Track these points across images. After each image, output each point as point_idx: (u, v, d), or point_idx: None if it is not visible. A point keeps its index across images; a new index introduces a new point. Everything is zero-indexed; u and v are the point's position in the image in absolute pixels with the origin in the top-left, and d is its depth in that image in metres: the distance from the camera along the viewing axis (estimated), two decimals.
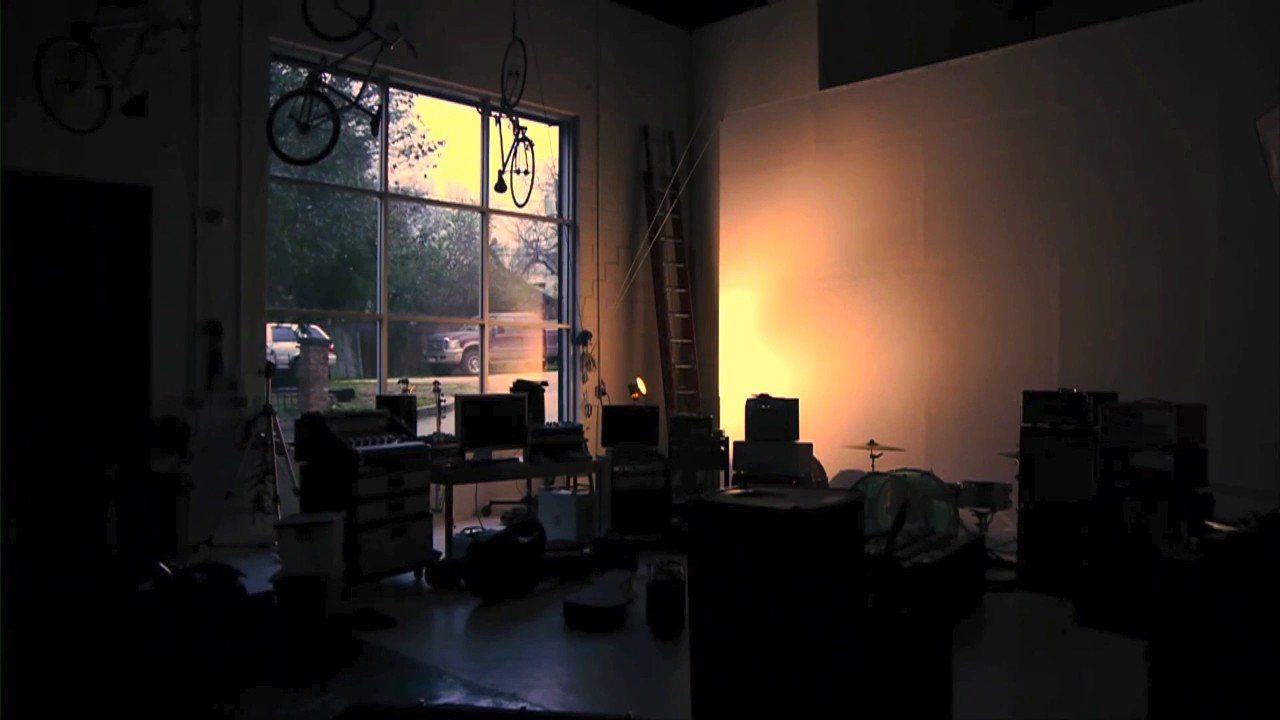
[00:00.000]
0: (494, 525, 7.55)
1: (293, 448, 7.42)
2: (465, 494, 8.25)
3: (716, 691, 3.48)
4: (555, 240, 10.89)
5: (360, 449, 6.13)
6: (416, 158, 10.02)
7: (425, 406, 8.44)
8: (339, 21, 6.51)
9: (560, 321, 10.68)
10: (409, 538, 6.35)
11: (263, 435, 7.45)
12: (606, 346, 10.70)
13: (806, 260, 9.50)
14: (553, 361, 10.76)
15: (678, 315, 11.12)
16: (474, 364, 9.91)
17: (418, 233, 10.50)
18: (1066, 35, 8.01)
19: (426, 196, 10.04)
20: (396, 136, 9.73)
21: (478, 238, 10.02)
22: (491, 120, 9.52)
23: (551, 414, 10.08)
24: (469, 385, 10.23)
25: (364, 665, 4.73)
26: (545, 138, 10.21)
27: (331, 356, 10.38)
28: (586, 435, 8.21)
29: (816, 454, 8.12)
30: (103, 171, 6.87)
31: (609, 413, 8.33)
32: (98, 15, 6.32)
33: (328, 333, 10.26)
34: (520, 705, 4.19)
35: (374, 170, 9.29)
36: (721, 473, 8.23)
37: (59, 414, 6.53)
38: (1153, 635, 3.59)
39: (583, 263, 10.58)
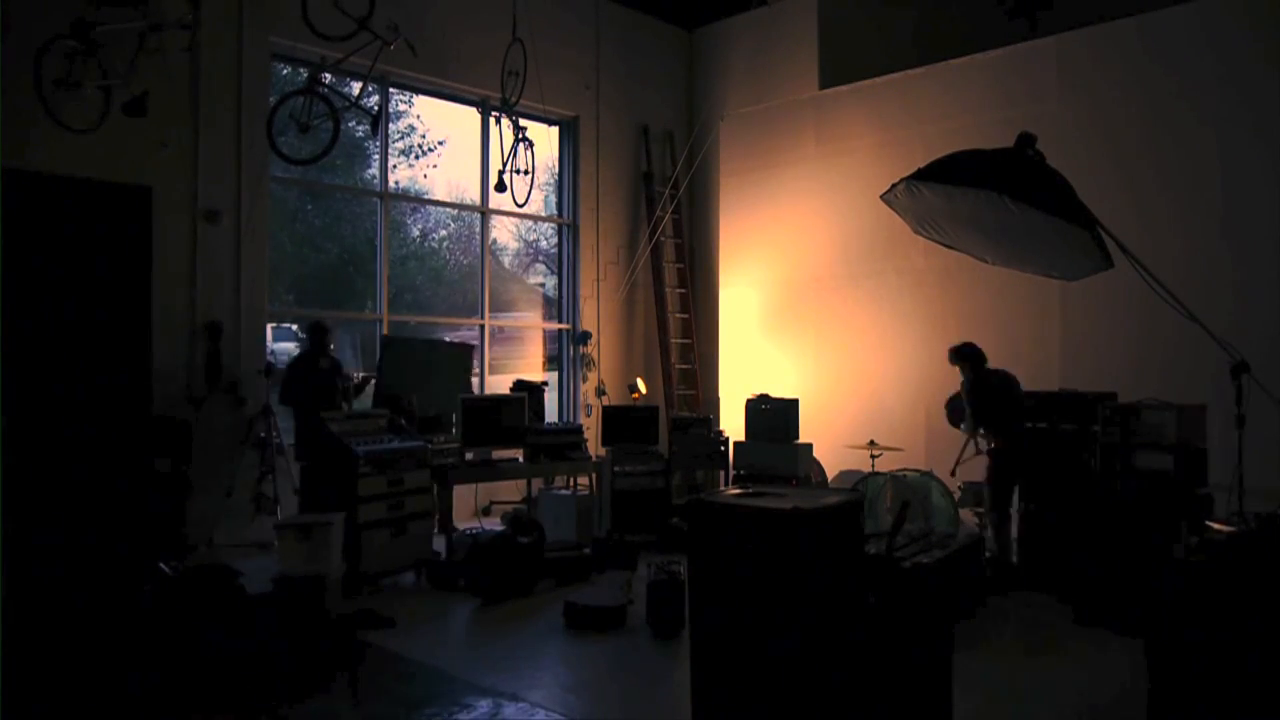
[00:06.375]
0: (494, 525, 7.55)
1: (293, 448, 7.43)
2: (465, 494, 8.25)
3: (717, 691, 3.48)
4: (555, 240, 10.89)
5: (360, 449, 6.14)
6: (416, 158, 10.01)
7: None
8: (339, 21, 6.51)
9: (560, 321, 10.68)
10: (409, 538, 6.35)
11: (262, 435, 7.45)
12: (606, 346, 10.70)
13: (806, 260, 9.50)
14: (553, 361, 10.75)
15: (678, 315, 11.12)
16: (474, 364, 9.91)
17: (418, 233, 10.49)
18: (1066, 34, 8.01)
19: (426, 196, 10.04)
20: (396, 136, 9.72)
21: (478, 238, 10.02)
22: (491, 120, 9.52)
23: (551, 414, 10.08)
24: None
25: (364, 665, 4.73)
26: (545, 138, 10.21)
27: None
28: (586, 435, 8.21)
29: (816, 454, 8.12)
30: (103, 171, 6.87)
31: (609, 413, 8.33)
32: (98, 15, 6.31)
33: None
34: (520, 705, 4.19)
35: (374, 170, 9.29)
36: (721, 473, 8.23)
37: (59, 414, 6.52)
38: (1152, 635, 3.59)
39: (583, 263, 10.58)
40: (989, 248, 5.53)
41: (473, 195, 10.01)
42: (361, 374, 8.24)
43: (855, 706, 3.27)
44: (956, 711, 3.51)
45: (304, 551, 5.38)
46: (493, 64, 8.43)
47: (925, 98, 8.65)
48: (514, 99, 8.37)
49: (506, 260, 11.11)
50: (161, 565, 5.26)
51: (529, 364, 10.59)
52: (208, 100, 7.46)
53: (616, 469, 7.74)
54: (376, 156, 9.22)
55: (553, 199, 10.83)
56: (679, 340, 11.07)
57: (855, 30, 10.18)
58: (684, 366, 11.02)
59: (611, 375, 10.58)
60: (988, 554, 6.38)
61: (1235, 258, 6.85)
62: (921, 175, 4.71)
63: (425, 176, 10.04)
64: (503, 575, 6.00)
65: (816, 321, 9.39)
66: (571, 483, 8.29)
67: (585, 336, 10.46)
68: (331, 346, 7.56)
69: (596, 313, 10.61)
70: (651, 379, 10.66)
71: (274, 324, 8.49)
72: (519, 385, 8.53)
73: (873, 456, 7.63)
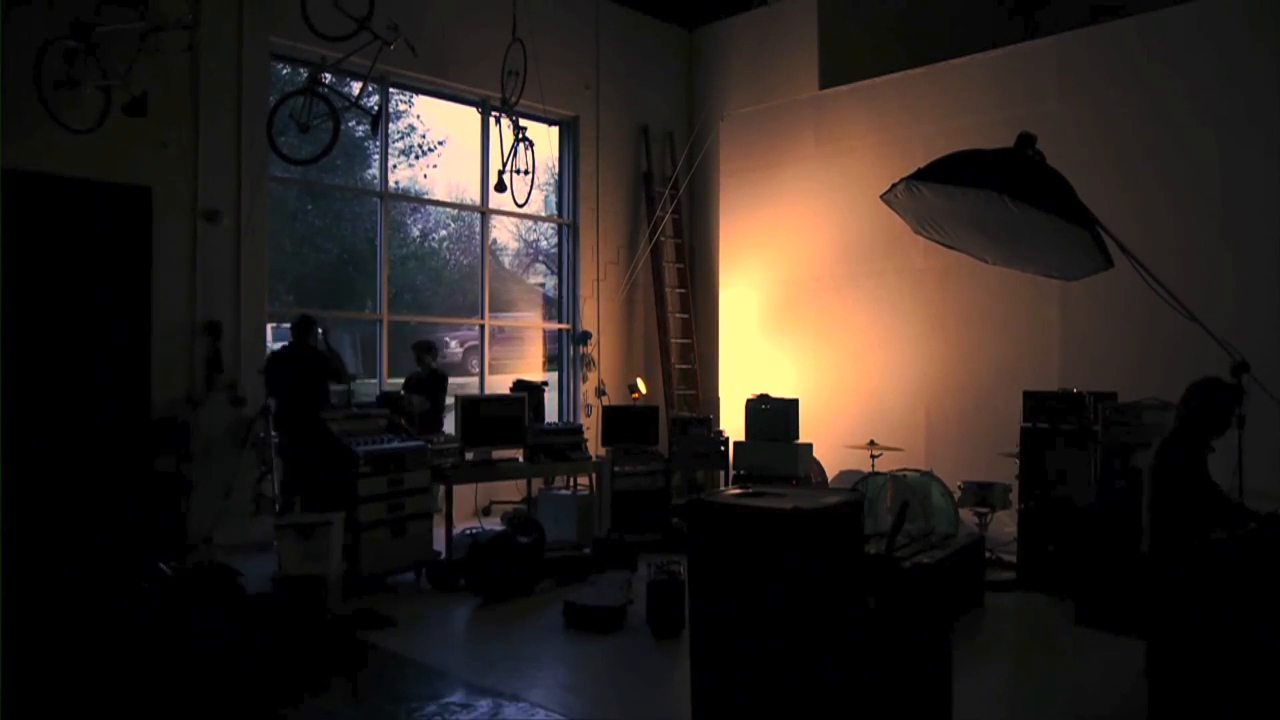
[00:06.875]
0: (494, 525, 7.55)
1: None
2: (465, 494, 8.25)
3: (716, 691, 3.49)
4: (555, 240, 10.89)
5: (360, 449, 6.14)
6: (416, 158, 10.02)
7: None
8: (339, 21, 6.51)
9: (560, 321, 10.68)
10: (409, 538, 6.35)
11: (262, 435, 7.45)
12: (606, 346, 10.70)
13: (806, 260, 9.49)
14: (553, 361, 10.75)
15: (678, 315, 11.12)
16: (474, 364, 9.91)
17: (418, 233, 10.49)
18: (1066, 35, 8.01)
19: (426, 196, 10.04)
20: (396, 136, 9.72)
21: (478, 238, 10.02)
22: (491, 120, 9.52)
23: (551, 414, 10.07)
24: (469, 385, 10.23)
25: (365, 665, 4.73)
26: (545, 138, 10.21)
27: None
28: (586, 435, 8.21)
29: (816, 454, 8.12)
30: (103, 171, 6.87)
31: (609, 413, 8.32)
32: (98, 15, 6.31)
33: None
34: (520, 705, 4.19)
35: (374, 170, 9.29)
36: (721, 473, 8.23)
37: (59, 414, 6.53)
38: (1152, 635, 3.59)
39: (583, 263, 10.58)
40: (989, 248, 5.53)
41: (473, 195, 10.01)
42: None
43: (855, 707, 3.27)
44: (956, 711, 3.50)
45: (304, 551, 5.38)
46: (493, 64, 8.43)
47: (925, 98, 8.64)
48: (514, 99, 8.37)
49: (506, 260, 11.11)
50: (161, 565, 5.26)
51: (529, 364, 10.59)
52: (208, 100, 7.45)
53: (616, 469, 7.74)
54: (376, 156, 9.22)
55: (553, 199, 10.83)
56: (679, 340, 11.07)
57: (855, 30, 10.18)
58: (684, 366, 11.02)
59: (611, 375, 10.58)
60: (988, 554, 6.39)
61: (1235, 258, 6.84)
62: (921, 175, 4.71)
63: (425, 176, 10.05)
64: (503, 575, 6.00)
65: (816, 321, 9.39)
66: (571, 483, 8.29)
67: (585, 336, 10.46)
68: (313, 339, 7.24)
69: (596, 313, 10.61)
70: (651, 379, 10.66)
71: (274, 324, 8.49)
72: (519, 385, 8.53)
73: (873, 456, 7.62)
